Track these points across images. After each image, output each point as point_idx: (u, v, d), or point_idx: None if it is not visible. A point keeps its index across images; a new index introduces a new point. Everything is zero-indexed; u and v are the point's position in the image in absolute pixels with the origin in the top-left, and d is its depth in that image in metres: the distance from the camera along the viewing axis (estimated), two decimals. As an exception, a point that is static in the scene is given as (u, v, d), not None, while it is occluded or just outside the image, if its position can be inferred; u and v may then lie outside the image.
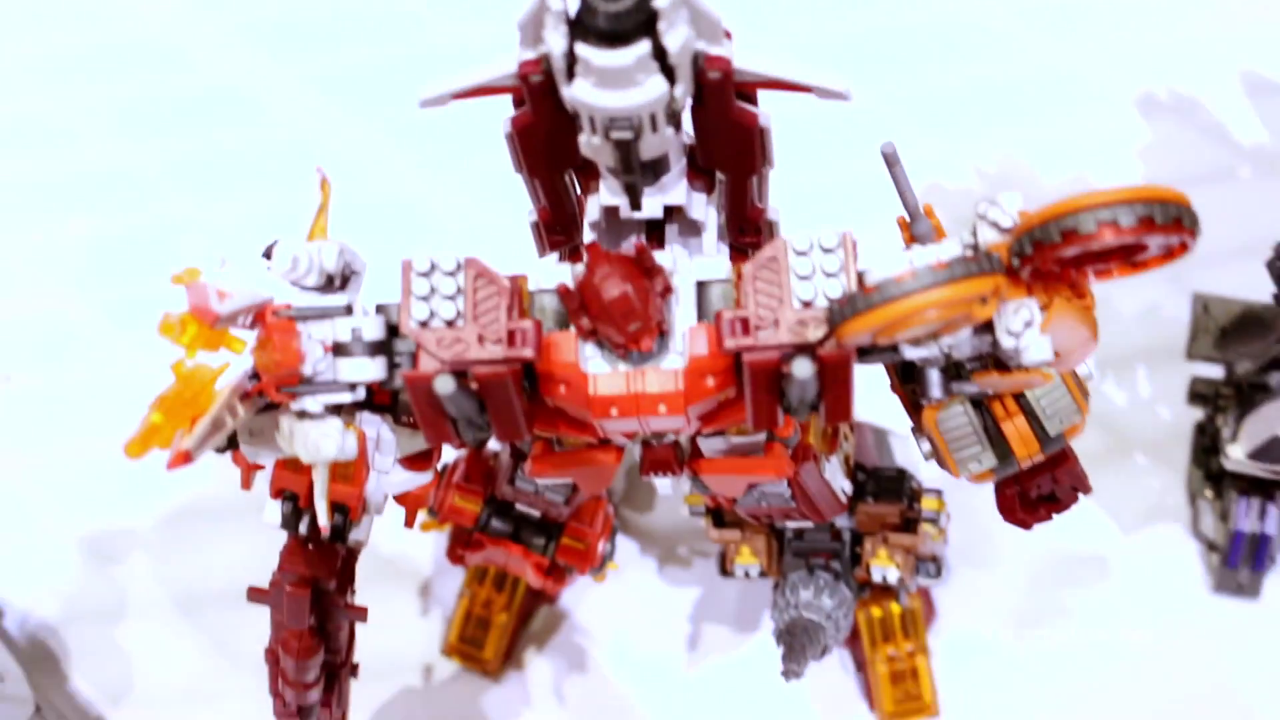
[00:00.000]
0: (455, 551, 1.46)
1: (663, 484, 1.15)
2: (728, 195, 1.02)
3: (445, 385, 0.91)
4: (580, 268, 0.95)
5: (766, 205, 1.05)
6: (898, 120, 1.79)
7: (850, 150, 1.55)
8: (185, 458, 0.93)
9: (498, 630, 1.56)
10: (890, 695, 1.52)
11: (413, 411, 0.97)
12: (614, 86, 0.86)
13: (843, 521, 1.38)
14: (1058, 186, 0.88)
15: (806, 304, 0.92)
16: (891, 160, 0.98)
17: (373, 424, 1.07)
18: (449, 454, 1.38)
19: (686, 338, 0.95)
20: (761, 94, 0.96)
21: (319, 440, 0.97)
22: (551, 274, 0.98)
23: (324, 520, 1.06)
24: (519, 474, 1.36)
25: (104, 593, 1.65)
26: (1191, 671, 1.54)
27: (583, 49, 0.85)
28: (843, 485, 1.26)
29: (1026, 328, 0.93)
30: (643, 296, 0.92)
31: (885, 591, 1.48)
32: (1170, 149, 1.78)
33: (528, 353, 0.93)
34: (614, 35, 0.84)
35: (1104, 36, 1.87)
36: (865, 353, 0.97)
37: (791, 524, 1.36)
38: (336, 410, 0.99)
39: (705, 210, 1.02)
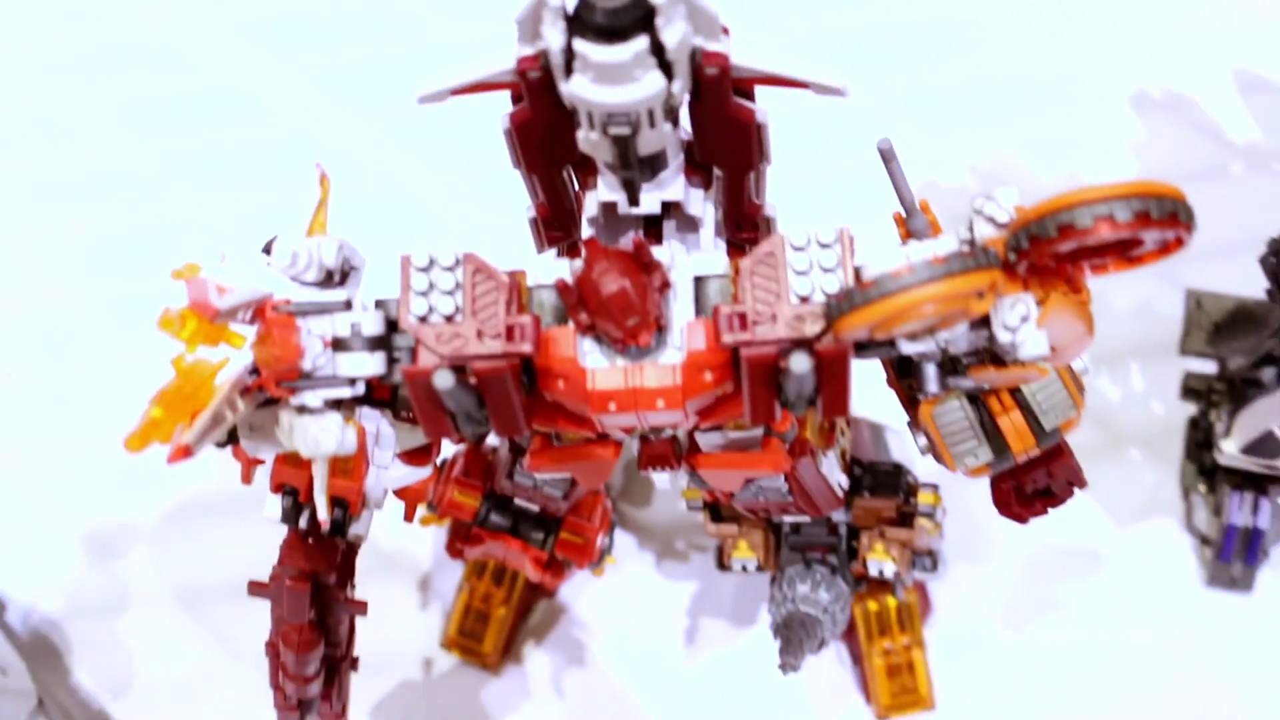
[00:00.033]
0: (454, 546, 1.45)
1: (660, 479, 1.14)
2: (725, 191, 1.02)
3: (444, 380, 0.91)
4: (578, 263, 0.94)
5: (764, 201, 1.05)
6: (893, 117, 1.79)
7: (846, 147, 1.55)
8: (185, 452, 0.93)
9: (497, 624, 1.56)
10: (886, 688, 1.51)
11: (412, 406, 0.96)
12: (612, 82, 0.86)
13: (839, 516, 1.37)
14: (1053, 183, 0.88)
15: (804, 299, 0.92)
16: (888, 156, 0.97)
17: (372, 419, 1.06)
18: (448, 449, 1.39)
19: (684, 333, 0.95)
20: (758, 91, 0.96)
21: (319, 435, 0.97)
22: (550, 271, 0.97)
23: (324, 514, 1.05)
24: (518, 469, 1.35)
25: (106, 587, 1.65)
26: (1185, 664, 1.53)
27: (581, 45, 0.85)
28: (839, 480, 1.26)
29: (1023, 322, 0.93)
30: (641, 292, 0.91)
31: (882, 585, 1.48)
32: (1164, 146, 1.78)
33: (526, 348, 0.92)
34: (612, 31, 0.84)
35: (1098, 34, 1.87)
36: (862, 348, 0.96)
37: (789, 518, 1.36)
38: (336, 405, 0.99)
39: (703, 206, 1.02)
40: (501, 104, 0.97)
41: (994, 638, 1.57)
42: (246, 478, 1.19)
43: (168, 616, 1.63)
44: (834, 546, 1.38)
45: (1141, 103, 1.82)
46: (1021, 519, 1.16)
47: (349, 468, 1.08)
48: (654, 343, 0.95)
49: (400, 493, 1.19)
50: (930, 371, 1.01)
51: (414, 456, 1.13)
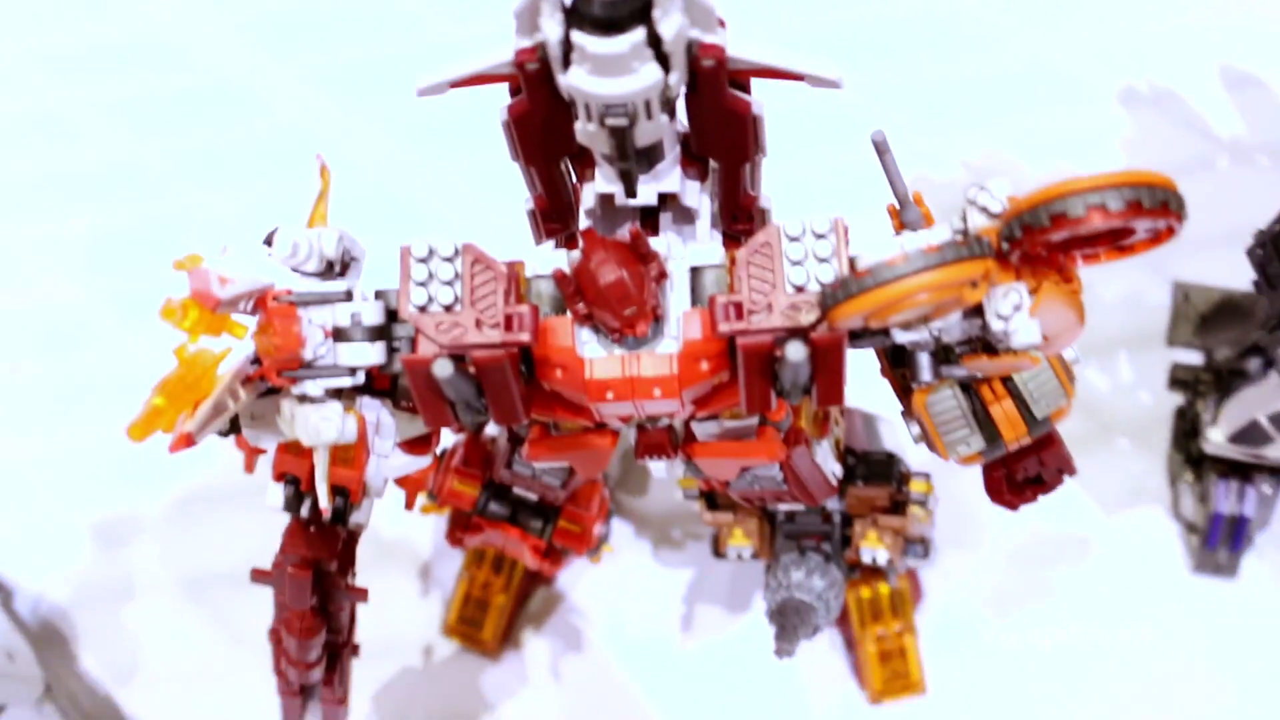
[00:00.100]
0: (454, 534, 1.45)
1: (657, 468, 1.14)
2: (721, 183, 1.01)
3: (443, 369, 0.90)
4: (576, 254, 0.93)
5: (759, 193, 1.04)
6: (886, 112, 1.79)
7: (839, 141, 1.55)
8: (187, 440, 0.92)
9: (496, 611, 1.56)
10: (879, 674, 1.51)
11: (412, 396, 0.96)
12: (609, 74, 0.85)
13: (833, 504, 1.37)
14: (1043, 178, 0.88)
15: (799, 288, 0.91)
16: (881, 148, 0.96)
17: (372, 408, 1.05)
18: (448, 438, 1.38)
19: (681, 323, 0.94)
20: (754, 84, 0.95)
21: (319, 424, 0.96)
22: (548, 262, 0.96)
23: (325, 503, 1.05)
24: (516, 458, 1.35)
25: (112, 575, 1.65)
26: (1171, 649, 1.53)
27: (578, 36, 0.84)
28: (833, 469, 1.26)
29: (1015, 311, 0.92)
30: (638, 282, 0.90)
31: (874, 573, 1.48)
32: (1151, 140, 1.77)
33: (525, 337, 0.92)
34: (609, 23, 0.83)
35: (1088, 32, 1.87)
36: (857, 336, 0.96)
37: (783, 506, 1.35)
38: (337, 394, 0.99)
39: (699, 198, 1.01)
40: (499, 97, 0.96)
41: (984, 624, 1.56)
42: (249, 467, 1.18)
43: (172, 604, 1.63)
44: (828, 534, 1.38)
45: (1130, 98, 1.81)
46: (1013, 506, 1.15)
47: (350, 456, 1.07)
48: (651, 332, 0.94)
49: (400, 481, 1.19)
50: (923, 360, 1.00)
51: (414, 445, 1.12)
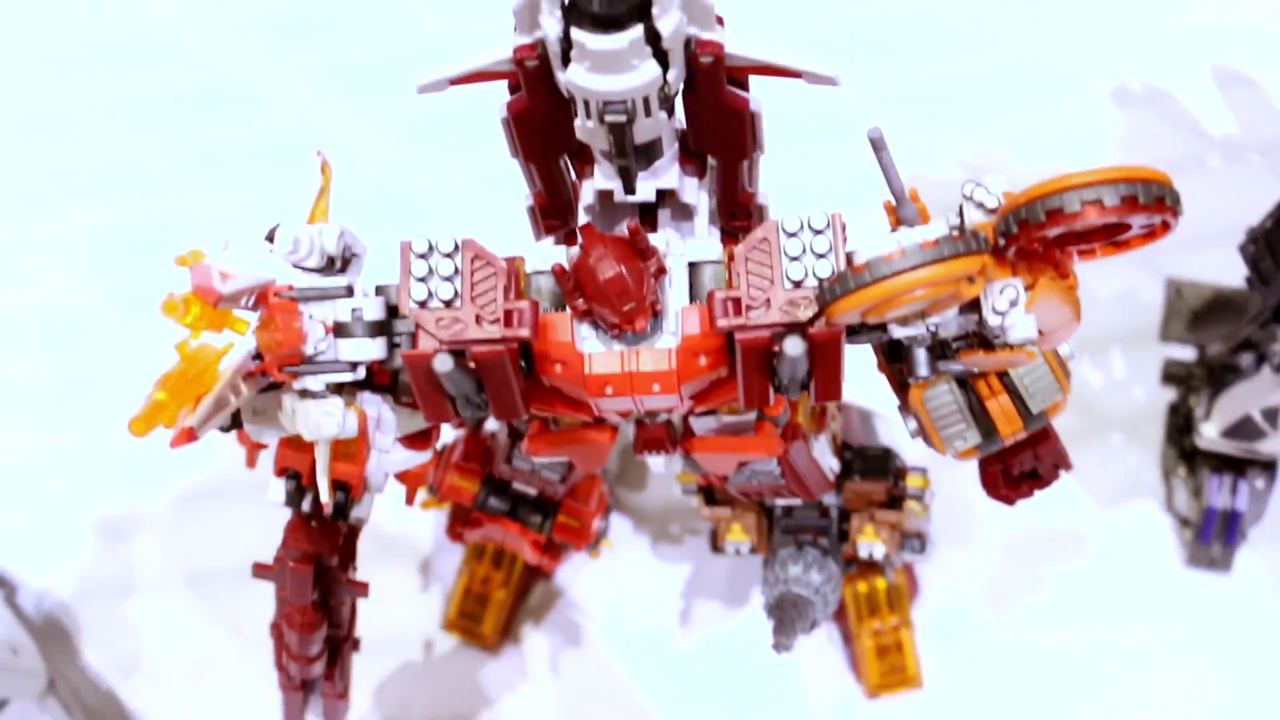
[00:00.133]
0: (454, 529, 1.45)
1: (655, 463, 1.13)
2: (719, 180, 1.01)
3: (444, 364, 0.90)
4: (576, 250, 0.93)
5: (757, 190, 1.04)
6: (881, 112, 1.78)
7: (835, 140, 1.54)
8: (189, 435, 0.92)
9: (496, 606, 1.55)
10: (876, 668, 1.51)
11: (412, 391, 0.96)
12: (608, 71, 0.85)
13: (831, 499, 1.37)
14: (1037, 176, 0.88)
15: (797, 284, 0.91)
16: (878, 145, 0.95)
17: (373, 404, 1.05)
18: (448, 434, 1.38)
19: (679, 318, 0.94)
20: (752, 82, 0.95)
21: (320, 418, 0.96)
22: (548, 258, 0.96)
23: (326, 497, 1.04)
24: (516, 453, 1.35)
25: (114, 570, 1.64)
26: (1165, 643, 1.53)
27: (578, 33, 0.84)
28: (831, 464, 1.26)
29: (1012, 306, 0.92)
30: (636, 277, 0.90)
31: (871, 567, 1.47)
32: (1144, 139, 1.77)
33: (524, 332, 0.91)
34: (608, 19, 0.83)
35: (1081, 31, 1.87)
36: (854, 331, 0.95)
37: (781, 501, 1.35)
38: (338, 389, 0.98)
39: (697, 194, 1.01)
40: (499, 95, 0.95)
41: (979, 618, 1.56)
42: (251, 462, 1.18)
43: (175, 599, 1.62)
44: (825, 529, 1.37)
45: (1123, 97, 1.81)
46: (1009, 501, 1.15)
47: (351, 452, 1.07)
48: (650, 328, 0.94)
49: (401, 476, 1.19)
50: (920, 355, 1.00)
51: (414, 441, 1.12)
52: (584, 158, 1.00)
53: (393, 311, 0.97)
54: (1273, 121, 1.77)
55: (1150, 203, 0.86)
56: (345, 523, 1.15)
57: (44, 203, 1.89)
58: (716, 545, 1.42)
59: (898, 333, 0.96)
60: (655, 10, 0.83)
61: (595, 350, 0.94)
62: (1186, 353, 1.62)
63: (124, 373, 1.30)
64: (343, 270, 0.97)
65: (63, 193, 1.90)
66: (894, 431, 1.35)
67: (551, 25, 0.85)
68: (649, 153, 0.95)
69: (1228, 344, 1.52)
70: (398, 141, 1.89)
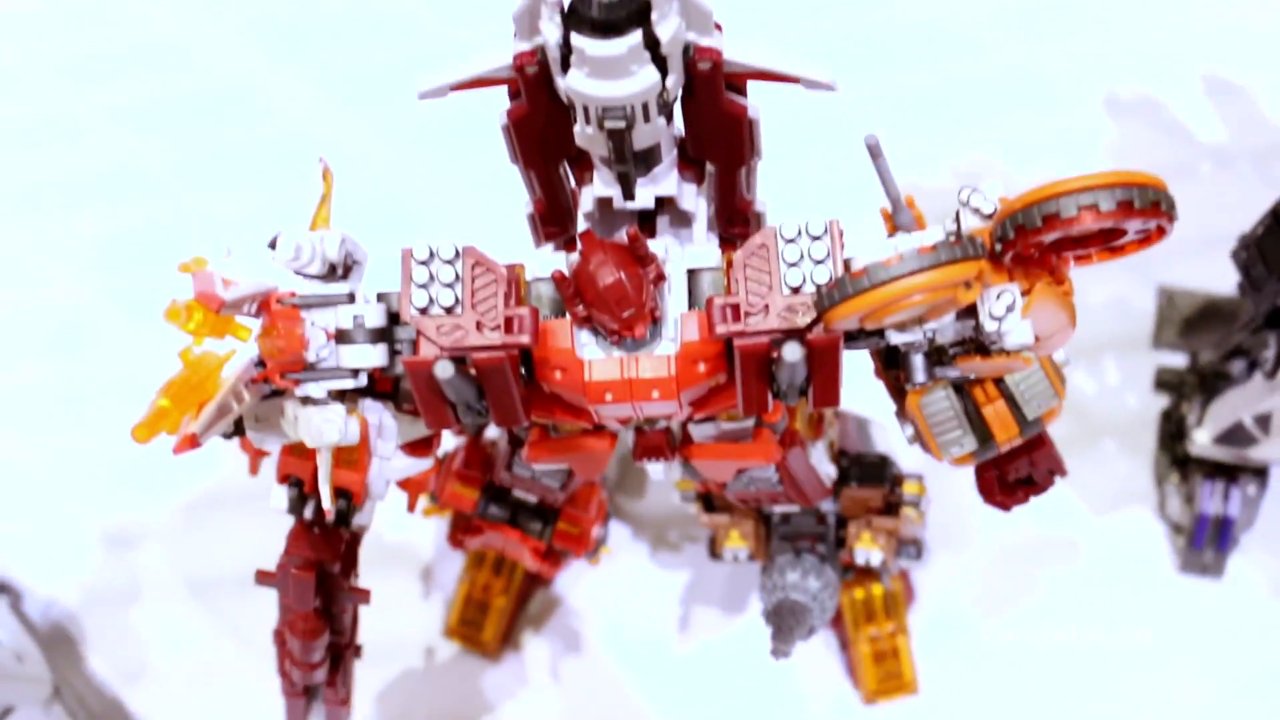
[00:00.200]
0: (455, 536, 1.44)
1: (655, 470, 1.13)
2: (717, 186, 1.01)
3: (445, 370, 0.89)
4: (575, 256, 0.92)
5: (755, 197, 1.03)
6: (876, 120, 1.77)
7: (832, 148, 1.53)
8: (192, 442, 0.91)
9: (496, 613, 1.55)
10: (873, 674, 1.50)
11: (413, 398, 0.95)
12: (608, 76, 0.85)
13: (828, 506, 1.36)
14: (1030, 183, 0.88)
15: (795, 290, 0.90)
16: (875, 151, 0.95)
17: (375, 411, 1.04)
18: (449, 441, 1.37)
19: (678, 324, 0.93)
20: (749, 89, 0.94)
21: (322, 425, 0.95)
22: (548, 265, 0.95)
23: (328, 505, 1.03)
24: (516, 460, 1.34)
25: (119, 577, 1.64)
26: (1158, 648, 1.52)
27: (577, 39, 0.84)
28: (828, 471, 1.25)
29: (1009, 312, 0.91)
30: (636, 283, 0.89)
31: (868, 574, 1.47)
32: (1135, 147, 1.77)
33: (525, 339, 0.91)
34: (607, 25, 0.83)
35: (1073, 40, 1.87)
36: (852, 337, 0.95)
37: (779, 508, 1.34)
38: (340, 396, 0.98)
39: (695, 201, 1.01)
40: (499, 101, 0.95)
41: (975, 624, 1.55)
42: (253, 469, 1.17)
43: (179, 606, 1.62)
44: (823, 536, 1.37)
45: (1114, 105, 1.81)
46: (1005, 507, 1.14)
47: (353, 459, 1.06)
48: (649, 334, 0.94)
49: (402, 484, 1.18)
50: (917, 362, 0.99)
51: (416, 448, 1.11)
52: (583, 164, 1.00)
53: (394, 318, 0.97)
54: (1262, 129, 1.77)
55: (1146, 207, 0.85)
56: (347, 530, 1.15)
57: (49, 207, 1.89)
58: (715, 552, 1.42)
59: (895, 339, 0.95)
60: (654, 16, 0.83)
61: (595, 357, 0.93)
62: (1179, 360, 1.62)
63: (128, 379, 1.29)
64: (344, 277, 0.97)
65: (68, 198, 1.89)
66: (890, 439, 1.34)
67: (551, 31, 0.85)
68: (648, 159, 0.95)
69: (1219, 351, 1.52)
70: (399, 148, 1.89)
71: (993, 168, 1.76)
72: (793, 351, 0.88)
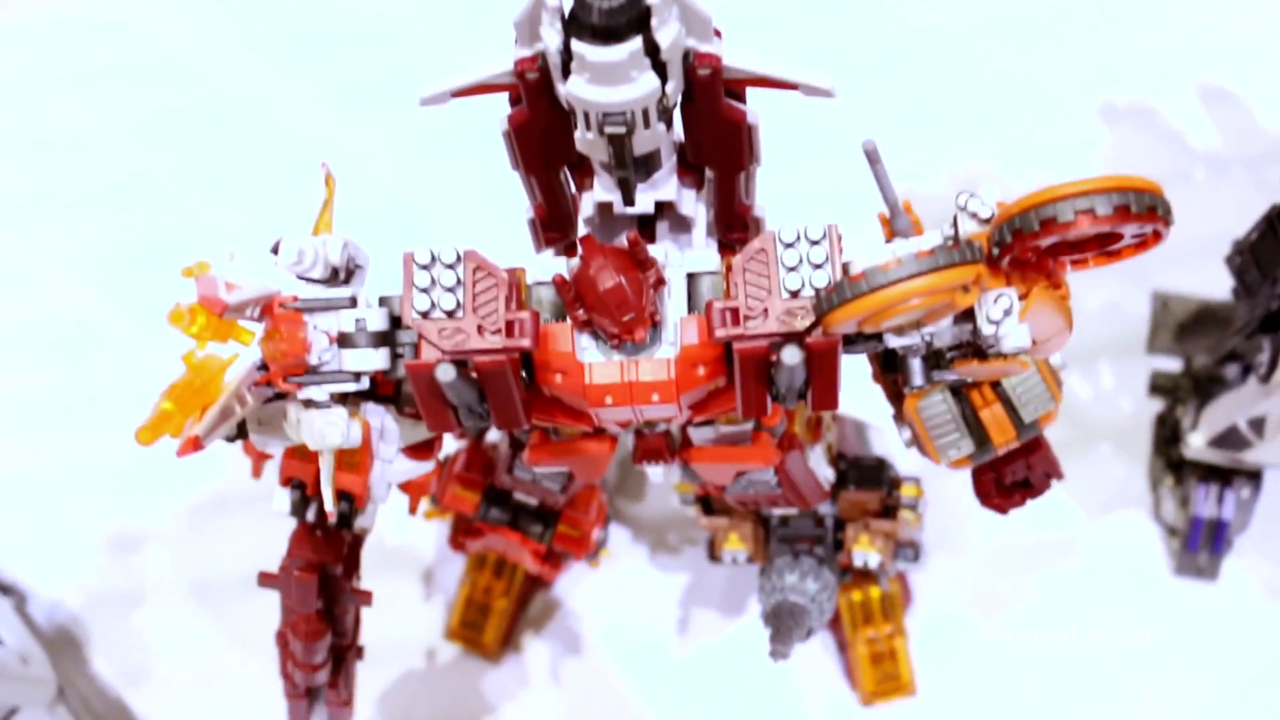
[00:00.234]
0: (456, 539, 1.44)
1: (654, 473, 1.13)
2: (716, 192, 1.01)
3: (446, 373, 0.89)
4: (576, 261, 0.92)
5: (753, 202, 1.03)
6: (874, 127, 1.76)
7: (829, 156, 1.53)
8: (195, 444, 0.91)
9: (497, 615, 1.54)
10: (871, 676, 1.50)
11: (415, 401, 0.95)
12: (608, 82, 0.85)
13: (826, 509, 1.36)
14: (1026, 191, 0.89)
15: (794, 294, 0.90)
16: (872, 157, 0.95)
17: (377, 414, 1.04)
18: (450, 445, 1.37)
19: (678, 328, 0.93)
20: (748, 97, 0.94)
21: (324, 428, 0.95)
22: (549, 269, 0.95)
23: (330, 507, 1.03)
24: (517, 463, 1.34)
25: (122, 580, 1.63)
26: (1153, 650, 1.52)
27: (578, 45, 0.83)
28: (826, 474, 1.25)
29: (1006, 316, 0.91)
30: (636, 288, 0.89)
31: (865, 576, 1.47)
32: (1130, 153, 1.77)
33: (526, 343, 0.90)
34: (608, 31, 0.83)
35: (1069, 49, 1.87)
36: (850, 341, 0.95)
37: (777, 511, 1.34)
38: (342, 400, 0.97)
39: (695, 206, 1.01)
40: (500, 108, 0.95)
41: (972, 625, 1.55)
42: (256, 472, 1.17)
43: (182, 608, 1.61)
44: (821, 538, 1.36)
45: (1109, 113, 1.81)
46: (1002, 510, 1.14)
47: (355, 462, 1.05)
48: (649, 338, 0.93)
49: (404, 486, 1.18)
50: (915, 365, 0.99)
51: (417, 451, 1.11)
52: (584, 170, 0.99)
53: (396, 322, 0.96)
54: (1256, 136, 1.77)
55: (1142, 212, 0.85)
56: (349, 532, 1.15)
57: (55, 215, 1.89)
58: (714, 554, 1.42)
59: (893, 342, 0.95)
60: (654, 22, 0.83)
61: (595, 360, 0.93)
62: (1173, 364, 1.62)
63: (133, 384, 1.29)
64: (346, 281, 0.96)
65: (74, 205, 1.89)
66: (888, 442, 1.34)
67: (552, 37, 0.85)
68: (648, 165, 0.95)
69: (1213, 355, 1.52)
70: (401, 155, 1.89)
71: (989, 175, 1.76)
72: (792, 355, 0.88)
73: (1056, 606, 1.55)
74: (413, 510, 1.25)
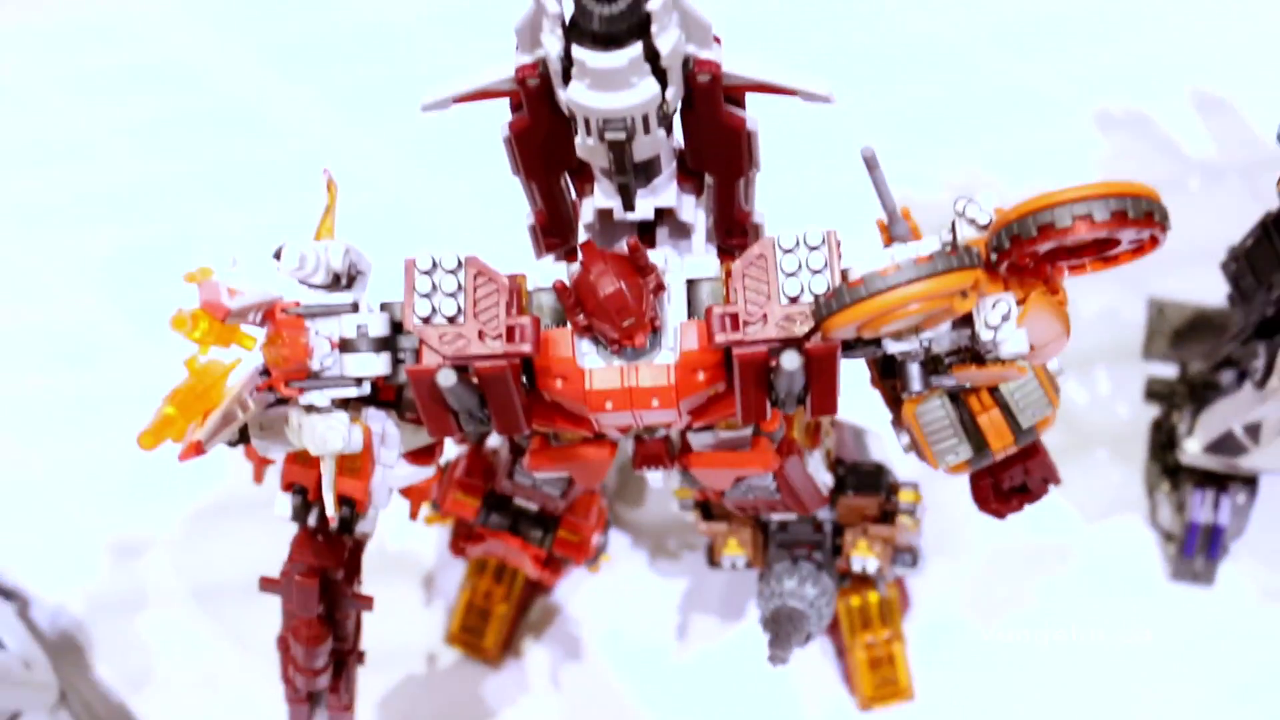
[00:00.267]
0: (457, 544, 1.44)
1: (654, 479, 1.12)
2: (716, 198, 1.00)
3: (447, 378, 0.89)
4: (576, 266, 0.92)
5: (753, 208, 1.03)
6: (871, 135, 1.77)
7: (827, 163, 1.53)
8: (197, 449, 0.91)
9: (497, 620, 1.54)
10: (869, 680, 1.49)
11: (416, 407, 0.95)
12: (608, 88, 0.84)
13: (824, 514, 1.35)
14: (1023, 196, 0.89)
15: (793, 299, 0.90)
16: (871, 164, 0.95)
17: (378, 420, 1.04)
18: (451, 450, 1.36)
19: (678, 334, 0.93)
20: (748, 103, 0.94)
21: (326, 433, 0.95)
22: (550, 275, 0.95)
23: (332, 512, 1.03)
24: (518, 468, 1.34)
25: (125, 585, 1.63)
26: (1150, 654, 1.52)
27: (578, 51, 0.83)
28: (824, 479, 1.25)
29: (1004, 321, 0.91)
30: (636, 293, 0.89)
31: (864, 581, 1.46)
32: (1125, 161, 1.77)
33: (526, 348, 0.90)
34: (609, 38, 0.82)
35: (1064, 58, 1.87)
36: (849, 346, 0.94)
37: (776, 516, 1.34)
38: (343, 405, 0.97)
39: (695, 212, 1.01)
40: (501, 115, 0.95)
41: (969, 630, 1.55)
42: (258, 477, 1.17)
43: (184, 613, 1.61)
44: (819, 544, 1.36)
45: (1105, 121, 1.81)
46: (999, 515, 1.13)
47: (356, 467, 1.05)
48: (649, 344, 0.93)
49: (405, 491, 1.18)
50: (914, 370, 0.98)
51: (418, 456, 1.11)
52: (584, 176, 0.99)
53: (397, 327, 0.96)
54: (1250, 144, 1.77)
55: (1139, 217, 0.85)
56: (350, 537, 1.14)
57: (59, 223, 1.89)
58: (713, 560, 1.41)
59: (892, 348, 0.95)
60: (654, 29, 0.83)
61: (595, 365, 0.93)
62: (1169, 370, 1.62)
63: (135, 391, 1.29)
64: (348, 287, 0.96)
65: (77, 212, 1.89)
66: (886, 448, 1.34)
67: (553, 44, 0.84)
68: (648, 171, 0.94)
69: (1209, 361, 1.52)
70: (402, 161, 1.89)
71: (986, 182, 1.76)
72: (791, 360, 0.88)
73: (1054, 611, 1.54)
74: (414, 515, 1.25)
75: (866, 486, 1.32)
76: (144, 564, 1.64)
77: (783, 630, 1.27)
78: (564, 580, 1.58)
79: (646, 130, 0.87)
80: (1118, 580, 1.56)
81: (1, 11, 2.04)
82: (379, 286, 0.98)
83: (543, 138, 0.93)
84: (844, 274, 0.91)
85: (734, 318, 0.90)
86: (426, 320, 0.91)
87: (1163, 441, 1.57)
